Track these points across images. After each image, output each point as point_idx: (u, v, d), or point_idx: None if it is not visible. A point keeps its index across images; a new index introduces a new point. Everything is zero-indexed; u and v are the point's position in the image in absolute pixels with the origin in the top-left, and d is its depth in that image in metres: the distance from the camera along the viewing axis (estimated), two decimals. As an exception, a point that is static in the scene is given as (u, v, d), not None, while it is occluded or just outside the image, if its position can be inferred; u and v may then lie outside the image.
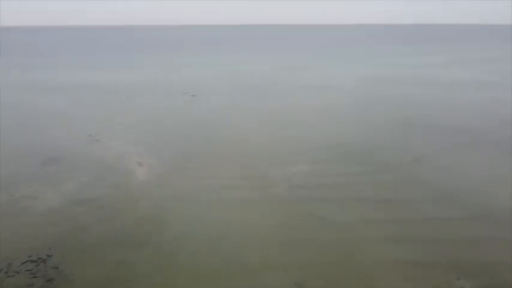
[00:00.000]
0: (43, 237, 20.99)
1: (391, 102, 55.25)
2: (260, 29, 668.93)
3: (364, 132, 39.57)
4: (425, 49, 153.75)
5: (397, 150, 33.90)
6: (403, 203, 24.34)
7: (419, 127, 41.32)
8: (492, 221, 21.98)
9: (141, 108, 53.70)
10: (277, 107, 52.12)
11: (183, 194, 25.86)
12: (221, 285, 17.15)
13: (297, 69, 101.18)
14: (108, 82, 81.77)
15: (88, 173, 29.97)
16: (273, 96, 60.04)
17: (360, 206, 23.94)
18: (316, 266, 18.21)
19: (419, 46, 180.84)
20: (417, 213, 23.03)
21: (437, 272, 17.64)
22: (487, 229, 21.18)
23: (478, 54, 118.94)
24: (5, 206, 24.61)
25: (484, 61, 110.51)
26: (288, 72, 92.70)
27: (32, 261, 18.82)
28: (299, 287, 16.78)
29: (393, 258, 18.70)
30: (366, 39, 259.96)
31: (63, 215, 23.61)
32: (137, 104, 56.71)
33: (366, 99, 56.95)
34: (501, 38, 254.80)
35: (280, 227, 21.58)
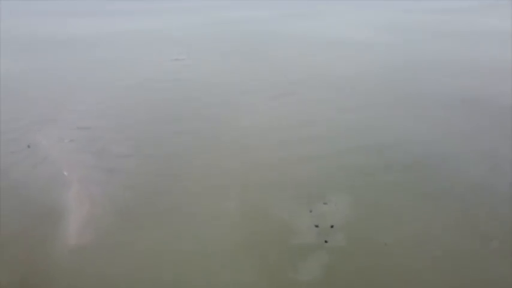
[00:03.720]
0: None
1: (435, 64, 40.92)
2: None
3: (421, 125, 25.93)
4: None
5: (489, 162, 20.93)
6: None
7: (496, 110, 27.87)
8: None
9: (107, 82, 37.16)
10: (286, 80, 36.14)
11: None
12: None
13: (303, 16, 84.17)
14: (78, 35, 65.23)
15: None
16: (278, 60, 44.59)
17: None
18: None
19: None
20: None
21: None
22: None
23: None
24: None
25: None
26: (293, 21, 76.02)
27: None
28: None
29: None
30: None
31: None
32: (103, 75, 41.10)
33: (398, 62, 42.46)
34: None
35: None
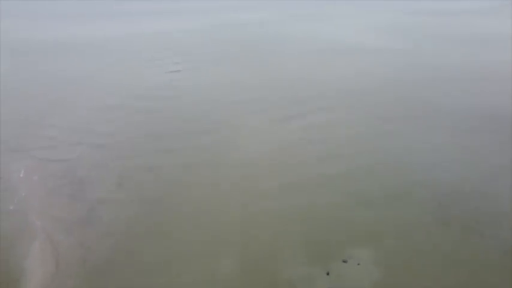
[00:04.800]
0: None
1: (455, 74, 37.36)
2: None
3: (453, 155, 22.42)
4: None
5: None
6: None
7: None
8: None
9: (89, 100, 32.27)
10: (294, 97, 31.52)
11: None
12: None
13: (308, 18, 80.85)
14: (67, 39, 62.12)
15: None
16: (284, 71, 40.04)
17: None
18: None
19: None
20: None
21: None
22: None
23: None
24: None
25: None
26: (301, 24, 72.57)
27: None
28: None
29: None
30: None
31: None
32: (87, 91, 36.40)
33: (415, 72, 38.42)
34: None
35: None
